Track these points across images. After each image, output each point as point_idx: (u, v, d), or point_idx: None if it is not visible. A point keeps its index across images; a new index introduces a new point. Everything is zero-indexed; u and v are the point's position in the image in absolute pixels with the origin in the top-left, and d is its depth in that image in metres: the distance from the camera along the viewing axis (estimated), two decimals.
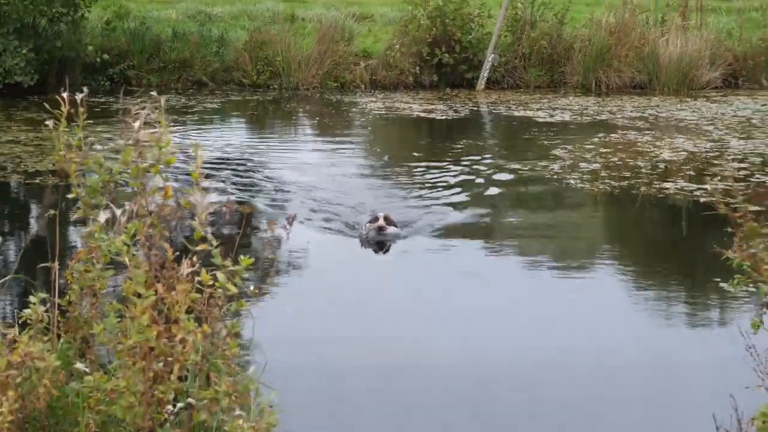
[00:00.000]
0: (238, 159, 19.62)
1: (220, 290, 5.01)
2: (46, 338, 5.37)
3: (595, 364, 9.29)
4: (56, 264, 5.72)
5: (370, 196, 16.48)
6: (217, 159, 18.95)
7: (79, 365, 5.19)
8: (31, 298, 5.22)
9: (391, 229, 13.29)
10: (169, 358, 4.48)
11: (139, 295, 4.44)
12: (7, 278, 5.46)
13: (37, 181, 16.32)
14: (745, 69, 29.67)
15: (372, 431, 8.31)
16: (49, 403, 5.17)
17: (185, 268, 4.39)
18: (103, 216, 4.85)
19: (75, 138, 5.41)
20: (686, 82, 28.43)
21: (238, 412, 4.18)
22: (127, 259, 4.35)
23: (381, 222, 13.14)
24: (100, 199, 5.41)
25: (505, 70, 29.29)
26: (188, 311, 4.63)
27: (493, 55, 28.78)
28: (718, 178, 17.08)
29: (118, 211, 4.47)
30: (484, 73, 28.88)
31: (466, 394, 8.82)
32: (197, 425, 4.94)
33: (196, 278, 4.90)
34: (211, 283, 5.00)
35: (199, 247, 4.54)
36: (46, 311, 5.48)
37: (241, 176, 17.89)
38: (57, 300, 5.72)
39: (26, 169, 17.23)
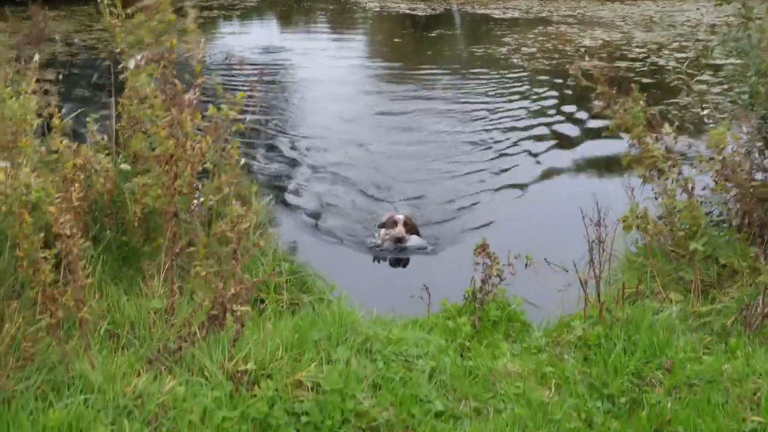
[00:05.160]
0: (267, 41, 19.68)
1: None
2: (106, 152, 5.49)
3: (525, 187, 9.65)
4: (113, 100, 5.77)
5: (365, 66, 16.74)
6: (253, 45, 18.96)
7: (124, 165, 5.32)
8: (87, 119, 5.29)
9: (413, 240, 7.78)
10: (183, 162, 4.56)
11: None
12: (77, 112, 5.53)
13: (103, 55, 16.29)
14: None
15: None
16: (112, 197, 5.33)
17: (191, 96, 4.44)
18: (132, 62, 4.87)
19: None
20: None
21: (234, 202, 4.28)
22: (147, 90, 4.41)
23: (400, 230, 7.67)
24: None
25: None
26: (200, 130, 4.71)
27: None
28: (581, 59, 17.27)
29: (139, 56, 4.50)
30: None
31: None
32: (207, 211, 5.09)
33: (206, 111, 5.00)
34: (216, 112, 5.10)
35: (200, 80, 4.59)
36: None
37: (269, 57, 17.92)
38: (115, 126, 5.82)
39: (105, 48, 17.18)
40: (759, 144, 6.27)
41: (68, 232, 3.81)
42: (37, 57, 4.92)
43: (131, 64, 4.38)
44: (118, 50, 5.27)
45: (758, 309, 4.76)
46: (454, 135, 11.69)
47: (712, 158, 5.87)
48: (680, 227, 6.01)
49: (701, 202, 6.24)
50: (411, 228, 7.83)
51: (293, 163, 10.26)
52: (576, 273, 5.08)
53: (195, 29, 4.52)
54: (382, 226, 7.89)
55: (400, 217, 7.83)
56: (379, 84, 15.17)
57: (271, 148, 10.83)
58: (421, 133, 11.71)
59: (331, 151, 10.76)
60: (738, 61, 8.30)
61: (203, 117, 4.62)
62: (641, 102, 6.31)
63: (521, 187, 9.59)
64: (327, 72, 15.65)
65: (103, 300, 4.86)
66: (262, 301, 5.37)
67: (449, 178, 9.82)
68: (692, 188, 6.04)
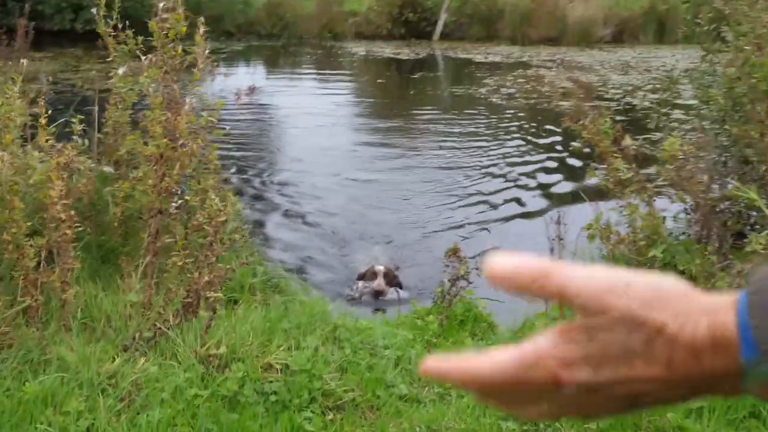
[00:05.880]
0: (252, 81, 19.87)
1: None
2: (88, 156, 5.63)
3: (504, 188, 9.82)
4: (96, 108, 5.94)
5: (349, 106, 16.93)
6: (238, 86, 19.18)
7: (107, 168, 5.47)
8: (72, 119, 5.43)
9: (392, 293, 7.00)
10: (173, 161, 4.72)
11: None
12: (64, 119, 5.68)
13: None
14: (628, 28, 29.68)
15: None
16: (92, 200, 5.47)
17: (187, 103, 4.61)
18: (121, 69, 5.05)
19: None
20: (585, 36, 28.48)
21: (213, 196, 4.44)
22: (147, 94, 4.58)
23: (379, 282, 6.93)
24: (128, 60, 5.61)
25: (454, 25, 29.27)
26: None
27: (445, 15, 28.77)
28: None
29: (145, 60, 4.67)
30: (438, 28, 28.89)
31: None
32: (191, 208, 5.24)
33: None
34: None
35: (196, 79, 4.77)
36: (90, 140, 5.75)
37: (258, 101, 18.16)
38: (98, 135, 5.97)
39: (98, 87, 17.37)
40: (716, 156, 6.47)
41: (63, 217, 3.97)
42: (24, 62, 5.09)
43: (120, 71, 4.55)
44: (110, 59, 5.47)
45: None
46: (432, 169, 11.87)
47: (666, 165, 6.06)
48: (641, 236, 6.19)
49: (663, 217, 6.42)
50: (392, 279, 7.05)
51: (271, 190, 10.43)
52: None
53: (202, 41, 4.72)
54: (361, 277, 7.11)
55: (381, 268, 7.03)
56: (361, 120, 15.47)
57: (251, 177, 11.00)
58: (399, 165, 11.89)
59: (306, 182, 10.86)
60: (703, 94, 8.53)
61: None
62: (608, 119, 6.53)
63: (501, 219, 9.65)
64: (311, 109, 15.86)
65: (80, 296, 4.97)
66: (236, 302, 5.49)
67: (427, 213, 9.81)
68: (652, 200, 6.23)
